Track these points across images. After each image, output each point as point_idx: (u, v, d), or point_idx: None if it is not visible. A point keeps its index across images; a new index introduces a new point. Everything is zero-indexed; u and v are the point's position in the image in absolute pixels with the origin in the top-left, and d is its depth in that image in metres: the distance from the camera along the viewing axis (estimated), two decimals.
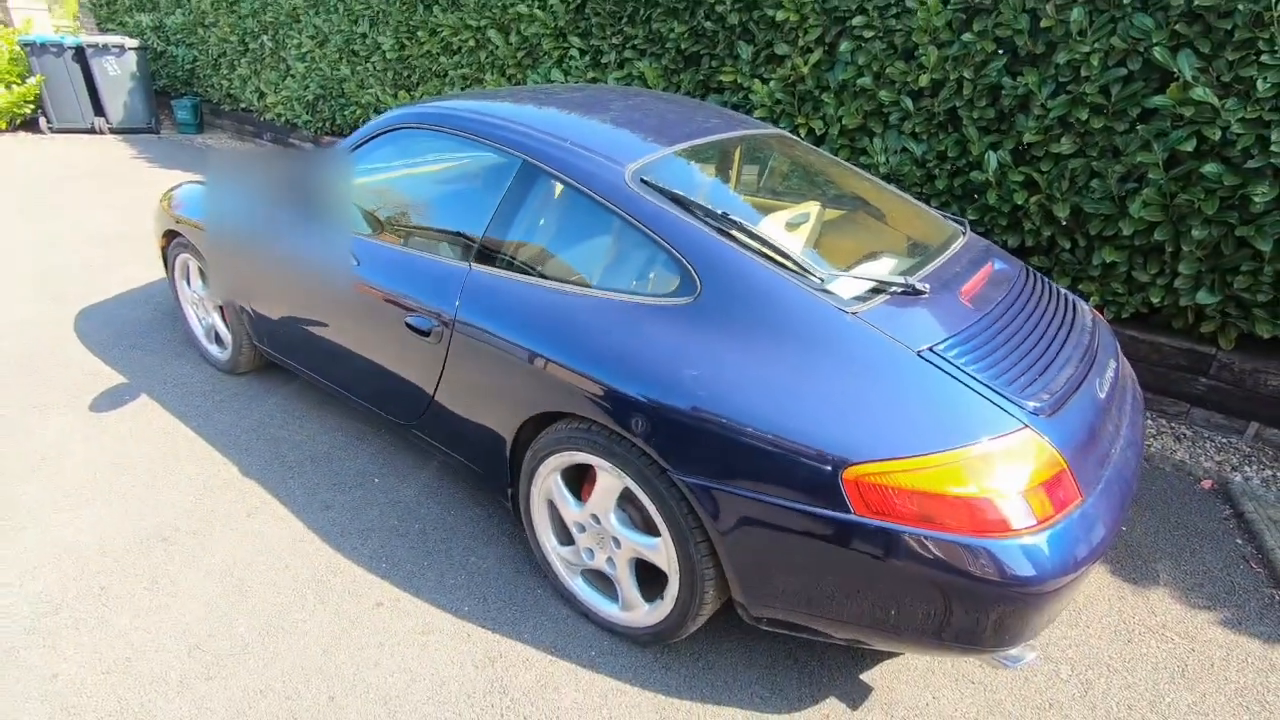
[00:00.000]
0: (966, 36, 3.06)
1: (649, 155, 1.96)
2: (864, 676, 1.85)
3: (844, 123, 3.49)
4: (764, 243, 1.72)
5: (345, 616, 1.98)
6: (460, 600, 2.04)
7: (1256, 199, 2.53)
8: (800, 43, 3.58)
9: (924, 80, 3.18)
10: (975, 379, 1.52)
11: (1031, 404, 1.52)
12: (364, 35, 6.00)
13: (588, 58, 4.45)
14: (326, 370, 2.55)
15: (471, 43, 5.12)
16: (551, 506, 1.97)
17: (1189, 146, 2.62)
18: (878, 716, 1.75)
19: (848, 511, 1.43)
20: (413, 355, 2.13)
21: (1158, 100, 2.65)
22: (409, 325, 2.08)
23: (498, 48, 4.96)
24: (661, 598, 1.78)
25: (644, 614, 1.83)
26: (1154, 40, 2.64)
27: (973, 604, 1.41)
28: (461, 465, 2.20)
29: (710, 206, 1.80)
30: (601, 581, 1.98)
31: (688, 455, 1.56)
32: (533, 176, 1.97)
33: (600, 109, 2.22)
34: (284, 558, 2.18)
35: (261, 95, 7.61)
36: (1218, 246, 2.74)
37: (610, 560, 1.85)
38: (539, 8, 4.58)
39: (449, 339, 2.00)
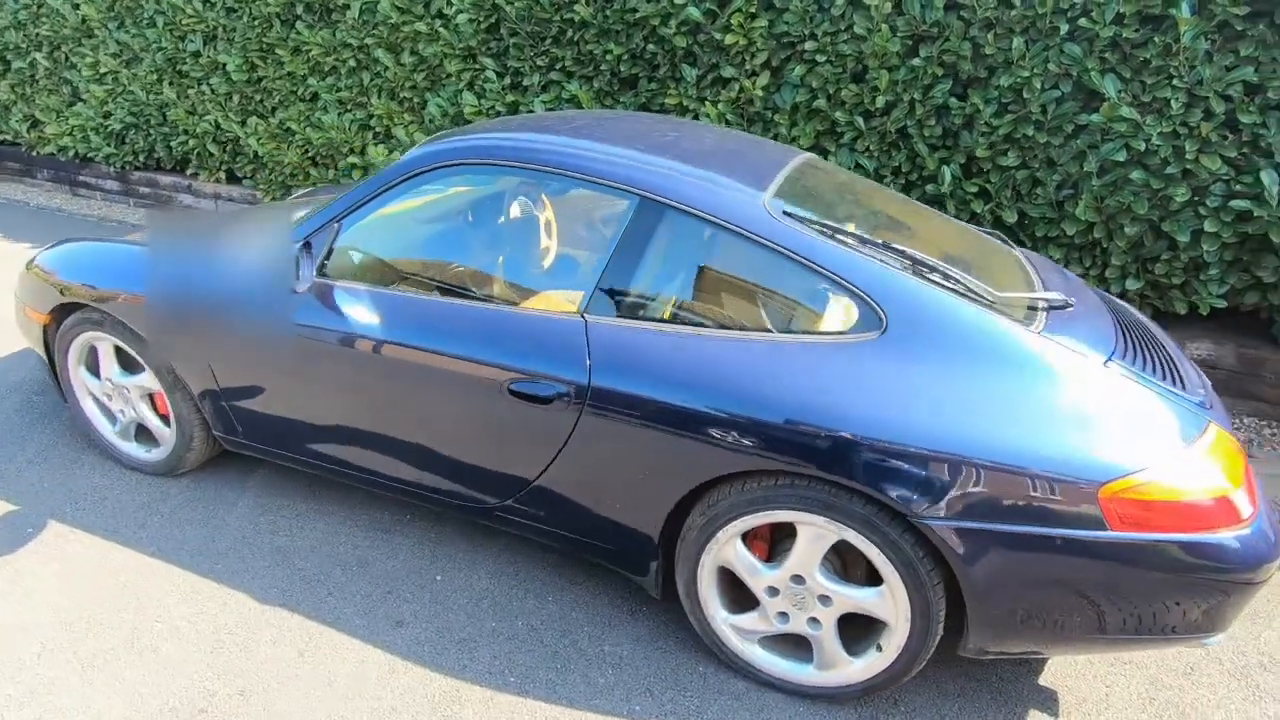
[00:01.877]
0: (915, 61, 3.31)
1: (769, 185, 1.88)
2: (1041, 682, 1.91)
3: (799, 143, 3.61)
4: (931, 268, 1.72)
5: None
6: (626, 700, 1.81)
7: (1178, 198, 3.01)
8: (747, 66, 3.66)
9: (880, 101, 3.39)
10: (1156, 383, 1.64)
11: (1197, 399, 1.67)
12: (196, 54, 5.15)
13: (505, 79, 4.19)
14: (349, 457, 2.15)
15: (352, 63, 4.59)
16: (721, 574, 1.81)
17: (1120, 156, 3.05)
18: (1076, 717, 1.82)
19: (1104, 529, 1.47)
20: (515, 427, 1.85)
21: (1094, 118, 3.06)
22: (516, 393, 1.81)
23: (387, 69, 4.50)
24: (879, 649, 1.71)
25: (853, 670, 1.74)
26: (1087, 66, 3.04)
27: (1210, 596, 1.51)
28: (573, 544, 1.95)
29: (864, 235, 1.77)
30: (781, 645, 1.85)
31: (929, 497, 1.52)
32: (656, 214, 1.81)
33: (658, 136, 2.08)
34: (383, 699, 1.79)
35: (34, 125, 6.24)
36: (1140, 240, 3.23)
37: (813, 620, 1.74)
38: (441, 26, 4.22)
39: (581, 405, 1.76)
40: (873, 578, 1.74)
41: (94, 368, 2.56)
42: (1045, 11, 3.04)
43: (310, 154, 5.00)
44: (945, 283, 1.71)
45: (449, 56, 4.29)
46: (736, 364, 1.67)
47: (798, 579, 1.71)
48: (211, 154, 5.48)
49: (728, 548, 1.75)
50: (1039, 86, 3.13)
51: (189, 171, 5.70)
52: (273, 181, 5.23)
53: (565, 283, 1.93)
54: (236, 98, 5.12)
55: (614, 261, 1.83)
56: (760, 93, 3.61)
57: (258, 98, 5.08)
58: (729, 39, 3.57)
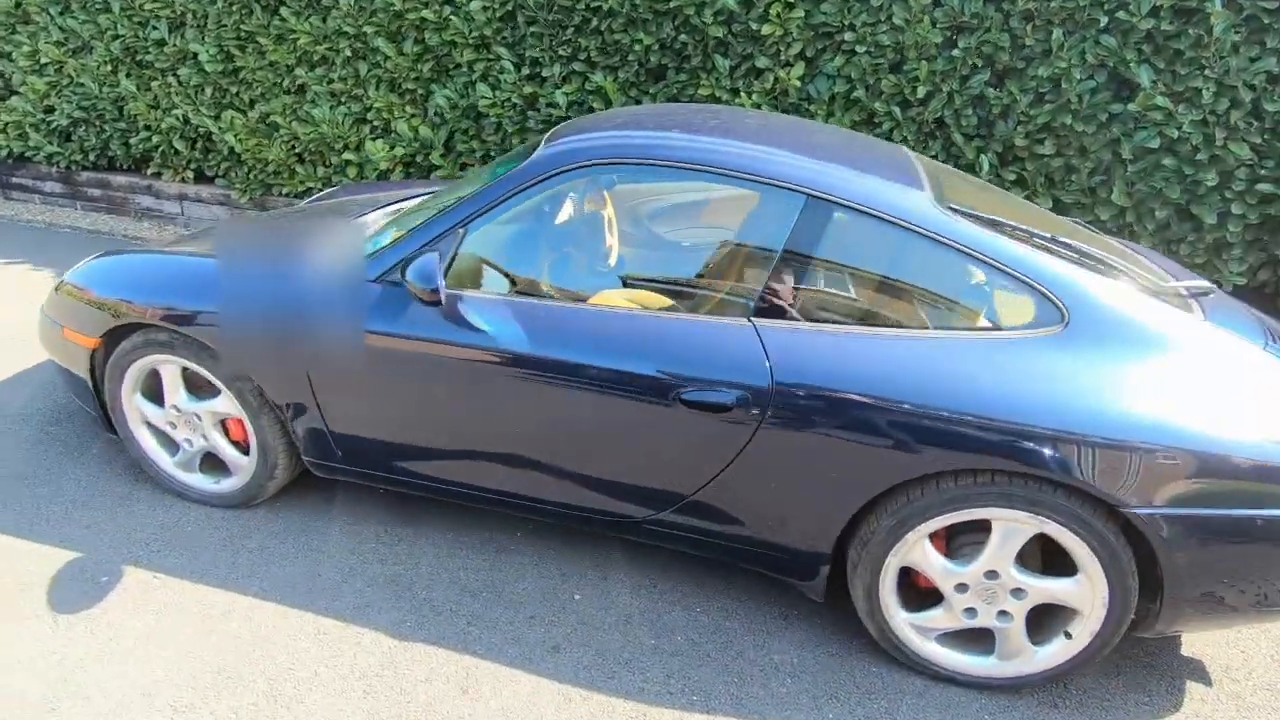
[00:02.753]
0: (955, 52, 3.37)
1: (922, 181, 1.88)
2: (1185, 653, 2.00)
3: None
4: (1096, 259, 1.76)
5: None
6: (817, 709, 1.78)
7: (1207, 183, 3.19)
8: (782, 56, 3.64)
9: (920, 92, 3.44)
10: None
11: None
12: (160, 42, 4.73)
13: (523, 71, 4.03)
14: (469, 476, 2.04)
15: (347, 52, 4.31)
16: (898, 574, 1.81)
17: (1154, 143, 3.20)
18: (1230, 689, 1.91)
19: None
20: (683, 437, 1.79)
21: (1130, 107, 3.20)
22: (689, 402, 1.74)
23: (387, 59, 4.25)
24: (1067, 636, 1.74)
25: (1038, 659, 1.77)
26: (1125, 57, 3.16)
27: None
28: (733, 554, 1.92)
29: (1030, 229, 1.78)
30: (957, 640, 1.87)
31: (1136, 487, 1.55)
32: (825, 213, 1.77)
33: (787, 133, 2.05)
34: None
35: None
36: (1168, 223, 3.40)
37: (1002, 614, 1.75)
38: (452, 13, 4.01)
39: (762, 411, 1.71)
40: (1051, 567, 1.77)
41: (150, 394, 2.32)
42: (1084, 4, 3.15)
43: (297, 150, 4.68)
44: (1114, 274, 1.75)
45: (460, 45, 4.08)
46: (927, 363, 1.66)
47: (991, 574, 1.72)
48: (178, 151, 5.06)
49: (916, 548, 1.74)
50: (1077, 77, 3.24)
51: (150, 171, 5.25)
52: (252, 181, 4.88)
53: (719, 286, 1.86)
54: (209, 90, 4.74)
55: (781, 263, 1.78)
56: (797, 83, 3.60)
57: (234, 90, 4.71)
58: (766, 29, 3.54)
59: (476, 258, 1.98)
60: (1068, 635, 1.75)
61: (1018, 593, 1.73)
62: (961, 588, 1.76)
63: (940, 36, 3.36)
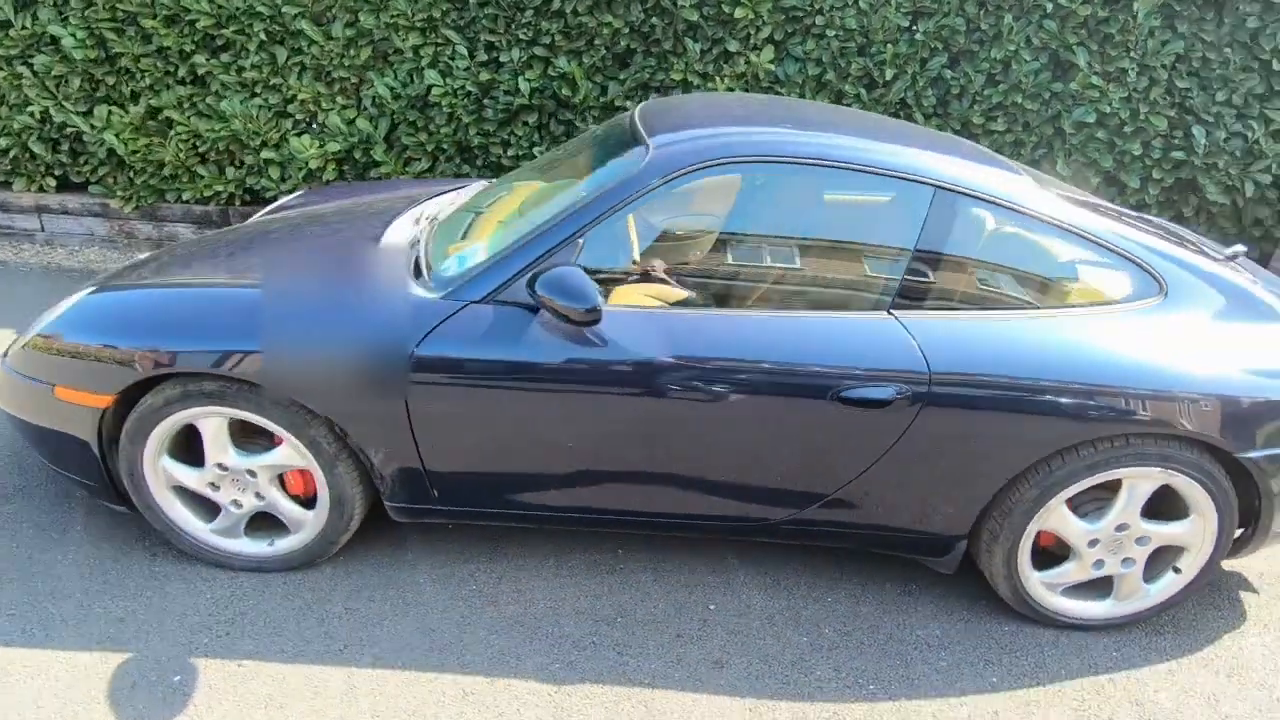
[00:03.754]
0: (918, 35, 3.56)
1: (1013, 166, 1.99)
2: (1227, 569, 2.31)
3: None
4: (1171, 233, 1.96)
5: None
6: (979, 675, 1.89)
7: (1133, 152, 3.62)
8: (752, 40, 3.66)
9: (888, 74, 3.61)
10: None
11: None
12: (5, 24, 3.91)
13: (478, 56, 3.75)
14: (586, 499, 1.94)
15: (262, 36, 3.80)
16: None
17: (1090, 118, 3.58)
18: (1274, 591, 2.23)
19: None
20: (836, 435, 1.81)
21: (1072, 86, 3.54)
22: (849, 399, 1.76)
23: (312, 43, 3.80)
24: (1175, 571, 1.95)
25: (1150, 595, 1.98)
26: (1066, 41, 3.49)
27: None
28: (872, 541, 1.98)
29: (1119, 209, 1.95)
30: (1078, 590, 2.03)
31: (1245, 435, 1.76)
32: (952, 204, 1.83)
33: (869, 124, 2.10)
34: None
35: None
36: (1097, 188, 3.83)
37: (1126, 560, 1.93)
38: None
39: (920, 402, 1.76)
40: (1156, 513, 1.96)
41: (175, 453, 1.96)
42: None
43: (199, 150, 4.09)
44: (1190, 247, 1.95)
45: (402, 29, 3.73)
46: (1057, 341, 1.78)
47: (1121, 527, 1.89)
48: (34, 156, 4.25)
49: (1055, 513, 1.88)
50: (1025, 59, 3.54)
51: None
52: (139, 187, 4.20)
53: (852, 281, 1.87)
54: (77, 81, 4.00)
55: (916, 254, 1.82)
56: (770, 66, 3.64)
57: (111, 81, 4.01)
58: (738, 13, 3.54)
59: (604, 268, 1.85)
60: (1176, 570, 1.96)
61: (1142, 540, 1.91)
62: (1093, 543, 1.91)
63: (904, 20, 3.53)
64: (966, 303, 1.83)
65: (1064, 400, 1.75)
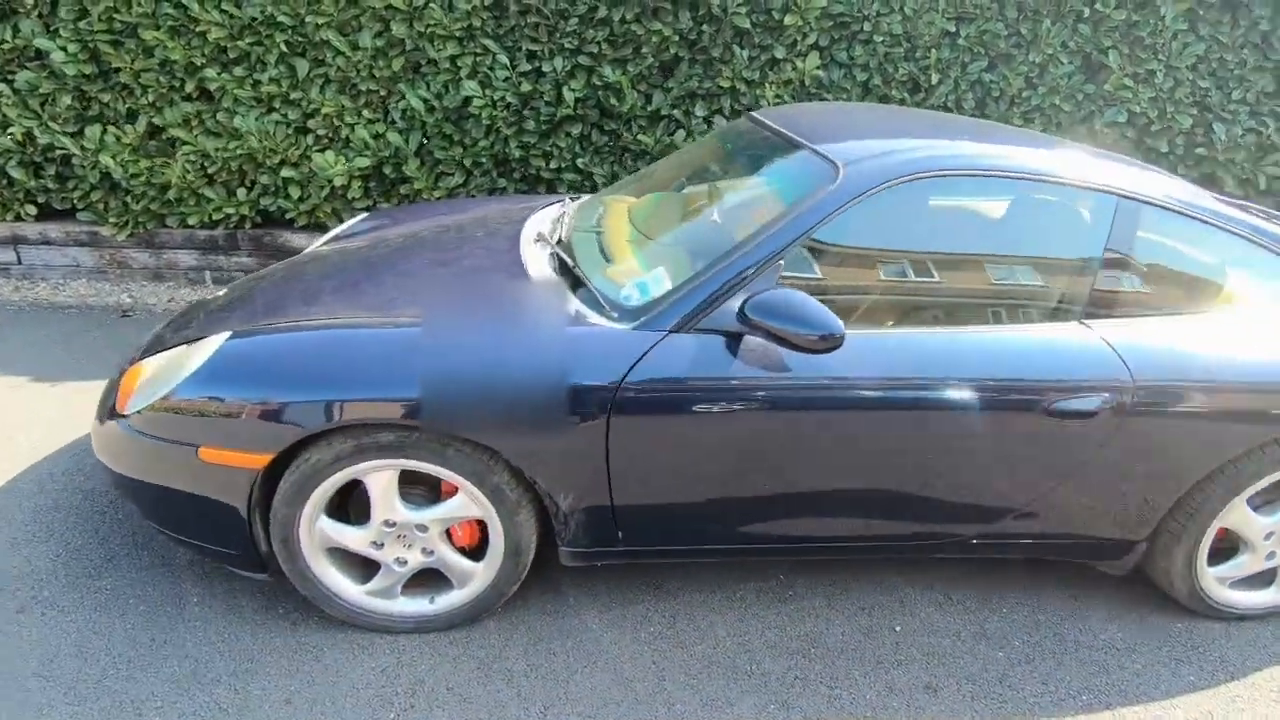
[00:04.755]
0: (960, 41, 3.62)
1: (1167, 174, 2.03)
2: None
3: None
4: None
5: None
6: (1174, 675, 1.91)
7: (1160, 150, 3.79)
8: (798, 46, 3.65)
9: (934, 78, 3.66)
10: None
11: None
12: None
13: (519, 66, 3.61)
14: (788, 525, 1.88)
15: (282, 47, 3.55)
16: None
17: (1121, 118, 3.72)
18: None
19: None
20: (1039, 447, 1.80)
21: (1106, 87, 3.68)
22: (1058, 411, 1.75)
23: (338, 54, 3.57)
24: None
25: None
26: (1100, 44, 3.62)
27: None
28: (1054, 549, 1.99)
29: (1256, 206, 2.02)
30: (1239, 585, 2.08)
31: None
32: (1134, 212, 1.85)
33: (1003, 132, 2.12)
34: None
35: None
36: None
37: None
38: (430, 1, 3.46)
39: (1123, 410, 1.77)
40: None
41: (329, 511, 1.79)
42: None
43: (207, 170, 3.78)
44: None
45: (440, 38, 3.55)
46: (1243, 341, 1.82)
47: None
48: (12, 182, 3.84)
49: (1236, 511, 1.92)
50: (1062, 62, 3.65)
51: None
52: (137, 211, 3.86)
53: (1038, 293, 1.87)
54: (66, 99, 3.64)
55: (1105, 263, 1.83)
56: (819, 73, 3.64)
57: (106, 99, 3.66)
58: (788, 19, 3.52)
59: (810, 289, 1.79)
60: None
61: None
62: (1269, 536, 1.97)
63: (949, 25, 3.59)
64: (1153, 309, 1.86)
65: (1257, 400, 1.79)
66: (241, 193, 3.86)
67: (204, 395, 1.68)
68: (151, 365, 1.89)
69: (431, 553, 1.83)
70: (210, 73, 3.57)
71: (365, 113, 3.71)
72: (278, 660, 1.82)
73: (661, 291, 1.77)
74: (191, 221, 3.91)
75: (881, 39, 3.61)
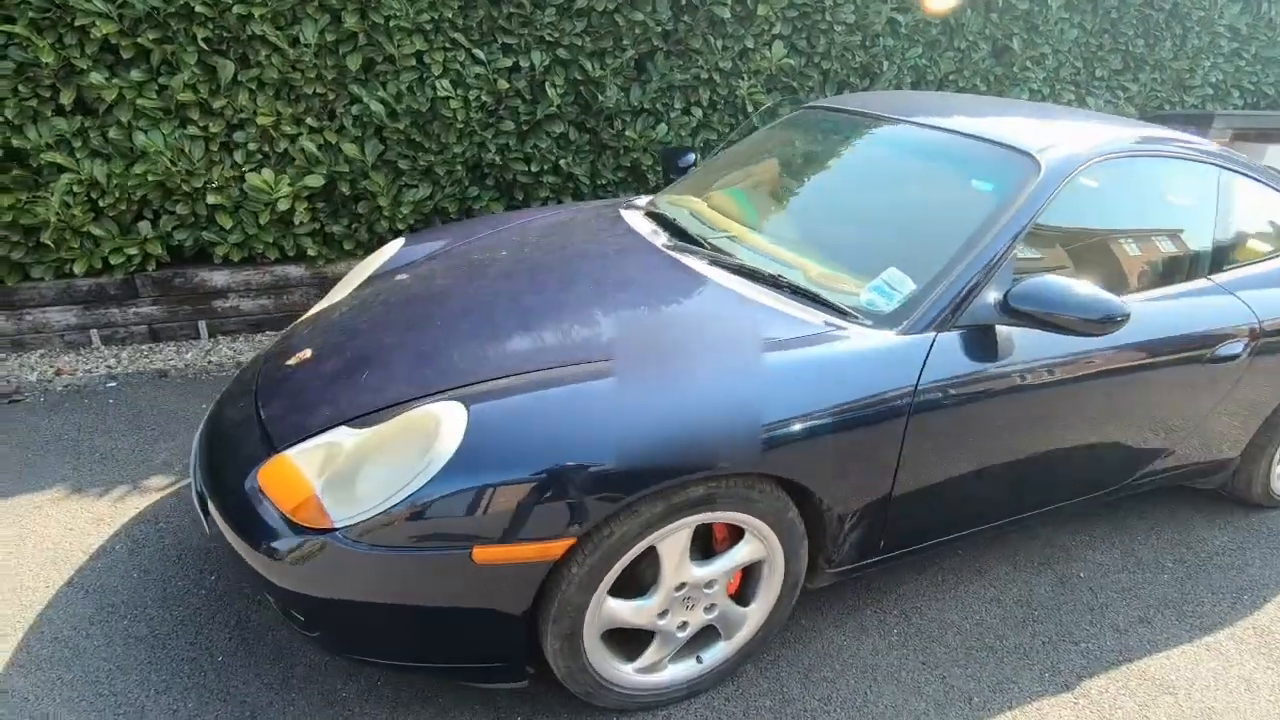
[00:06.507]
0: (902, 29, 3.90)
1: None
2: None
3: None
4: None
5: None
6: None
7: None
8: (764, 37, 3.70)
9: (887, 66, 3.91)
10: None
11: None
12: None
13: (495, 62, 3.26)
14: (1005, 504, 1.97)
15: (201, 44, 2.87)
16: None
17: (1024, 96, 4.26)
18: None
19: None
20: (1198, 392, 2.06)
21: (1015, 69, 4.17)
22: (1218, 358, 2.01)
23: (274, 51, 2.97)
24: None
25: None
26: (1012, 31, 4.09)
27: None
28: (1180, 477, 2.29)
29: None
30: None
31: None
32: (1230, 182, 2.15)
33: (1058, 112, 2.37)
34: None
35: None
36: None
37: None
38: None
39: (1254, 350, 2.07)
40: None
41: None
42: None
43: (97, 202, 2.98)
44: None
45: (401, 31, 3.09)
46: None
47: None
48: None
49: None
50: (981, 47, 4.09)
51: None
52: None
53: (1177, 255, 2.09)
54: None
55: (1218, 225, 2.11)
56: (790, 62, 3.72)
57: None
58: (760, 9, 3.55)
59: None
60: None
61: None
62: None
63: (898, 15, 3.84)
64: (1249, 260, 2.17)
65: None
66: (145, 227, 3.09)
67: (470, 485, 1.34)
68: (314, 459, 1.48)
69: (713, 608, 1.64)
70: (96, 77, 2.80)
71: (309, 120, 3.14)
72: None
73: (907, 294, 1.73)
74: (77, 269, 3.06)
75: (840, 28, 3.77)
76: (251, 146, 3.09)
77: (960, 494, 1.82)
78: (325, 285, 3.45)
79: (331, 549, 1.37)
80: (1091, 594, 2.11)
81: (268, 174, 3.09)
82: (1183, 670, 1.89)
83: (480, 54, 3.21)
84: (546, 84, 3.35)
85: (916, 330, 1.67)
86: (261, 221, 3.17)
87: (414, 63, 3.17)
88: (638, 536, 1.44)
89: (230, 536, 1.51)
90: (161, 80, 2.90)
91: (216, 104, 2.98)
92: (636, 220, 2.32)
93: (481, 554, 1.35)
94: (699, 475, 1.43)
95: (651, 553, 1.51)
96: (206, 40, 2.88)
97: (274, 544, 1.42)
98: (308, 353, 1.83)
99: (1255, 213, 2.25)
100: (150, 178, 2.95)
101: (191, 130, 2.98)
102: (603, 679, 1.58)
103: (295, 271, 3.40)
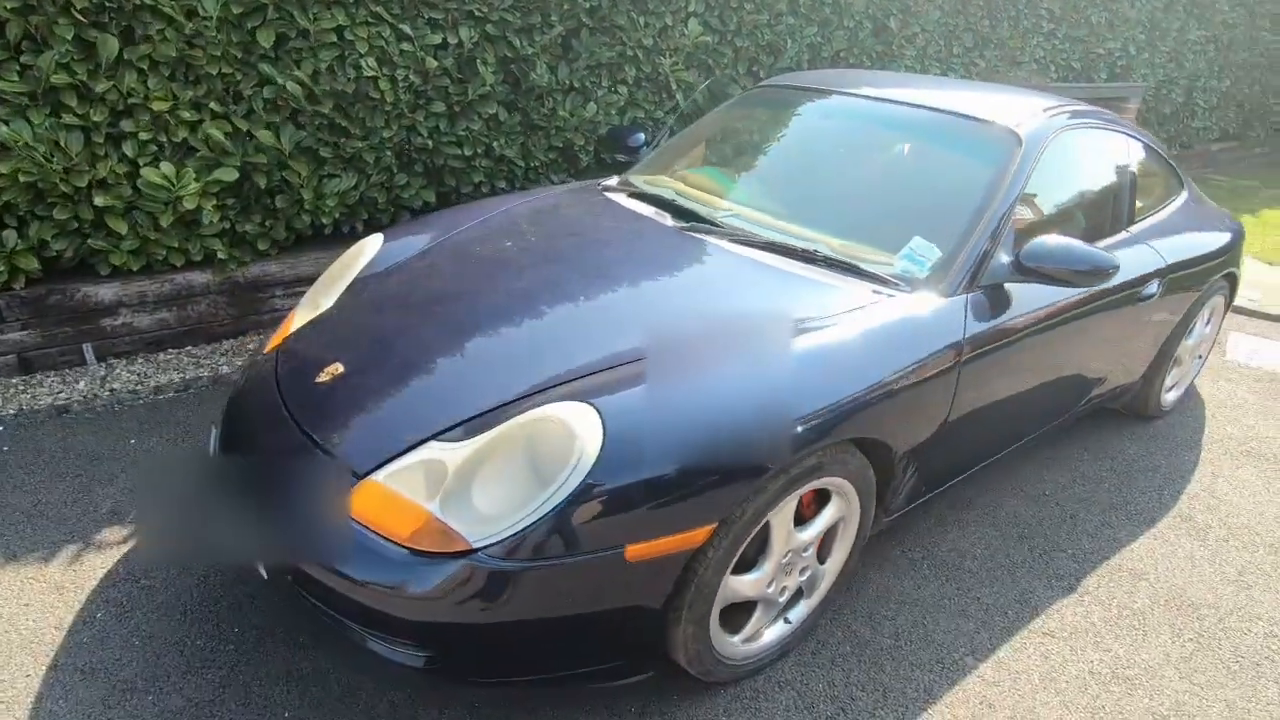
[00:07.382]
0: (800, 9, 4.11)
1: None
2: None
3: (743, 84, 4.02)
4: None
5: None
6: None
7: None
8: (680, 13, 3.75)
9: (787, 42, 4.09)
10: None
11: None
12: None
13: (424, 39, 3.03)
14: (999, 439, 2.22)
15: (76, 15, 2.41)
16: None
17: (901, 69, 4.66)
18: None
19: None
20: (1131, 327, 2.43)
21: (894, 46, 4.53)
22: (1143, 297, 2.38)
23: (167, 26, 2.57)
24: None
25: None
26: (888, 11, 4.43)
27: None
28: (1109, 400, 2.68)
29: None
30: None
31: None
32: (1129, 146, 2.53)
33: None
34: None
35: None
36: None
37: None
38: None
39: (1165, 286, 2.49)
40: None
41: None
42: None
43: None
44: None
45: (316, 4, 2.78)
46: (1191, 227, 2.66)
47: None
48: None
49: (1184, 343, 2.79)
50: (866, 26, 4.40)
51: None
52: None
53: (1107, 212, 2.42)
54: None
55: (1130, 188, 2.47)
56: (706, 39, 3.80)
57: None
58: None
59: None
60: None
61: None
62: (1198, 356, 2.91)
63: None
64: (1148, 213, 2.57)
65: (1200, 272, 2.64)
66: (11, 237, 2.58)
67: (618, 485, 1.30)
68: (412, 479, 1.36)
69: (805, 570, 1.71)
70: None
71: (213, 105, 2.75)
72: None
73: (935, 259, 1.87)
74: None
75: (749, 5, 3.89)
76: (144, 136, 2.66)
77: (978, 434, 2.02)
78: (238, 293, 3.07)
79: (476, 571, 1.27)
80: (1059, 508, 2.43)
81: (167, 168, 2.68)
82: (1145, 559, 2.24)
83: (407, 29, 2.97)
84: (478, 62, 3.17)
85: (954, 292, 1.82)
86: (163, 224, 2.75)
87: (334, 39, 2.87)
88: (762, 513, 1.47)
89: (321, 575, 1.35)
90: (25, 59, 2.41)
91: (99, 87, 2.52)
92: (628, 202, 2.30)
93: (633, 551, 1.32)
94: (820, 444, 1.48)
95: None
96: (83, 11, 2.43)
97: (395, 575, 1.29)
98: (339, 367, 1.65)
99: (1147, 172, 2.66)
100: (21, 178, 2.46)
101: (68, 119, 2.51)
102: (720, 655, 1.60)
103: (200, 279, 2.99)
